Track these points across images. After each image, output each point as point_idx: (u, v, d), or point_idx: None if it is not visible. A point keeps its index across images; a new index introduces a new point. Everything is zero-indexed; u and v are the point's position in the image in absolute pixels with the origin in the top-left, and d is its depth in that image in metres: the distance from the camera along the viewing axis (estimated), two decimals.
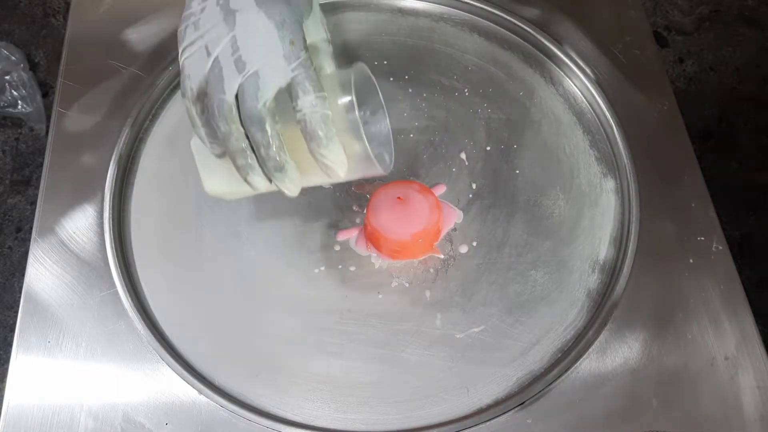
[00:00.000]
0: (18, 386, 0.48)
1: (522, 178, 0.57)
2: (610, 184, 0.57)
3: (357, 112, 0.40)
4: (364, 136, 0.40)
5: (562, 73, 0.62)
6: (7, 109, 1.31)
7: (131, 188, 0.56)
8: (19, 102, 1.31)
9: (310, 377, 0.49)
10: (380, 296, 0.52)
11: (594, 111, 0.60)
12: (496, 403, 0.48)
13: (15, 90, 1.30)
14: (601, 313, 0.51)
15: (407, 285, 0.53)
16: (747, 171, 1.35)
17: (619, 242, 0.54)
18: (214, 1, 0.41)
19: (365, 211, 0.53)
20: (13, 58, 1.31)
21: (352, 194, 0.56)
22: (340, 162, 0.40)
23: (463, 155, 0.58)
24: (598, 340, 0.50)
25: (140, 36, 0.62)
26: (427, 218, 0.50)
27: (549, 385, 0.49)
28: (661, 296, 0.52)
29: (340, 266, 0.53)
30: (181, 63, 0.41)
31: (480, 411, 0.48)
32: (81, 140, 0.57)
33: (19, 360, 0.49)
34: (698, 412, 0.48)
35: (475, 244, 0.54)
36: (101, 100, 0.58)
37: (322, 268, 0.53)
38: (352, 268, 0.53)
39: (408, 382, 0.49)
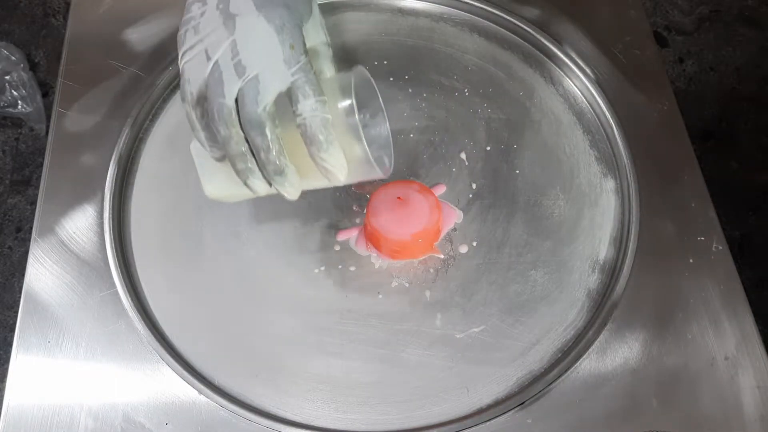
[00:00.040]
0: (18, 386, 0.48)
1: (522, 178, 0.57)
2: (610, 184, 0.57)
3: (357, 116, 0.40)
4: (364, 139, 0.40)
5: (562, 73, 0.62)
6: (7, 109, 1.31)
7: (131, 188, 0.56)
8: (19, 102, 1.31)
9: (310, 377, 0.49)
10: (380, 296, 0.52)
11: (594, 111, 0.60)
12: (496, 403, 0.48)
13: (15, 90, 1.30)
14: (601, 313, 0.51)
15: (407, 285, 0.53)
16: (747, 171, 1.35)
17: (619, 242, 0.54)
18: (213, 5, 0.41)
19: (365, 211, 0.53)
20: (13, 58, 1.31)
21: (352, 194, 0.56)
22: (340, 166, 0.40)
23: (463, 155, 0.58)
24: (598, 340, 0.50)
25: (140, 36, 0.62)
26: (427, 218, 0.50)
27: (549, 385, 0.49)
28: (661, 296, 0.52)
29: (340, 266, 0.53)
30: (180, 67, 0.41)
31: (480, 411, 0.48)
32: (81, 140, 0.57)
33: (19, 360, 0.49)
34: (698, 412, 0.48)
35: (475, 244, 0.54)
36: (101, 100, 0.58)
37: (322, 268, 0.53)
38: (352, 268, 0.53)
39: (408, 382, 0.49)
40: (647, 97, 0.60)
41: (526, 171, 0.57)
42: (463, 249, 0.54)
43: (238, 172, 0.41)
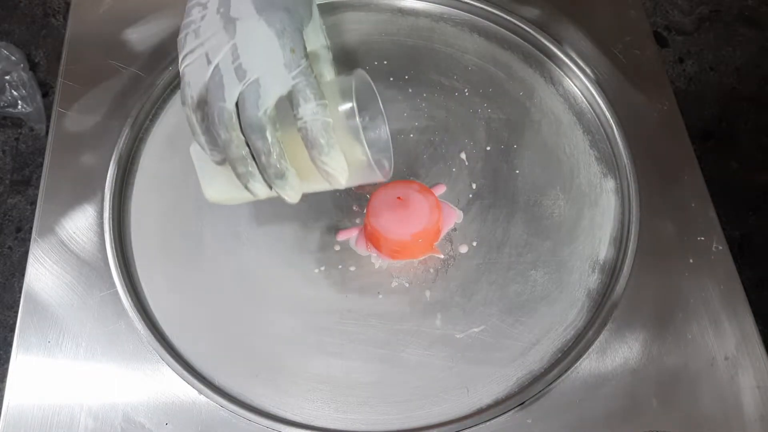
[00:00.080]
0: (18, 386, 0.48)
1: (522, 178, 0.57)
2: (610, 184, 0.57)
3: (358, 120, 0.40)
4: (365, 143, 0.40)
5: (562, 73, 0.62)
6: (7, 109, 1.31)
7: (131, 188, 0.56)
8: (19, 102, 1.31)
9: (310, 377, 0.49)
10: (380, 296, 0.52)
11: (594, 111, 0.60)
12: (496, 403, 0.48)
13: (15, 90, 1.30)
14: (601, 313, 0.51)
15: (407, 285, 0.53)
16: (747, 171, 1.35)
17: (619, 242, 0.54)
18: (214, 9, 0.41)
19: (365, 211, 0.53)
20: (13, 58, 1.31)
21: (352, 194, 0.56)
22: (341, 169, 0.40)
23: (463, 155, 0.58)
24: (598, 340, 0.50)
25: (140, 36, 0.62)
26: (427, 218, 0.50)
27: (549, 385, 0.49)
28: (661, 296, 0.52)
29: (340, 266, 0.53)
30: (181, 71, 0.41)
31: (480, 411, 0.48)
32: (81, 140, 0.57)
33: (19, 360, 0.49)
34: (698, 412, 0.48)
35: (475, 244, 0.54)
36: (101, 100, 0.58)
37: (322, 268, 0.53)
38: (352, 268, 0.53)
39: (408, 382, 0.49)
40: (647, 97, 0.60)
41: (526, 171, 0.57)
42: (463, 249, 0.54)
43: (238, 176, 0.41)
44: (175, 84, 0.59)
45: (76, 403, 0.47)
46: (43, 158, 0.56)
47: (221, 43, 0.40)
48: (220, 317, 0.51)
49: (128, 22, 0.62)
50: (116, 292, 0.50)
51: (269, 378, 0.49)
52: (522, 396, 0.48)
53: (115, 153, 0.55)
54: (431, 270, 0.53)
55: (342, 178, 0.41)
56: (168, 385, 0.48)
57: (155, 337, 0.49)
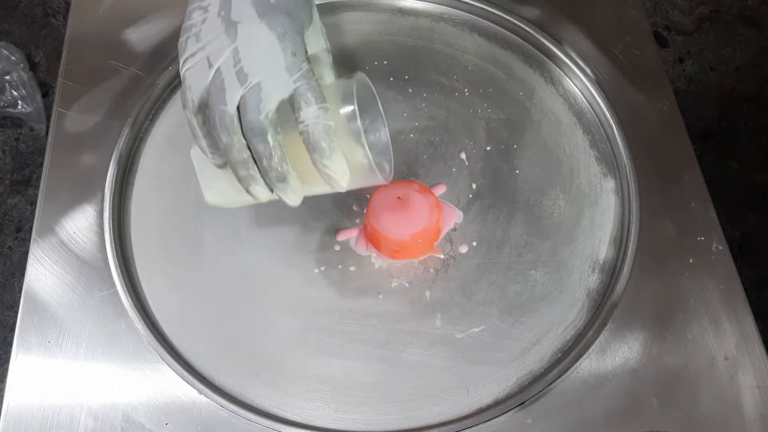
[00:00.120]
0: (18, 386, 0.48)
1: (522, 178, 0.57)
2: (610, 184, 0.57)
3: (359, 123, 0.40)
4: (366, 146, 0.41)
5: (562, 73, 0.62)
6: (7, 109, 1.31)
7: (131, 188, 0.56)
8: (19, 102, 1.31)
9: (310, 377, 0.49)
10: (380, 296, 0.52)
11: (594, 111, 0.60)
12: (496, 403, 0.48)
13: (15, 90, 1.31)
14: (601, 313, 0.51)
15: (407, 285, 0.53)
16: (747, 171, 1.35)
17: (619, 242, 0.54)
18: (215, 13, 0.41)
19: (365, 211, 0.53)
20: (13, 58, 1.31)
21: (352, 194, 0.56)
22: (342, 172, 0.40)
23: (463, 155, 0.58)
24: (598, 340, 0.50)
25: (140, 36, 0.62)
26: (427, 218, 0.50)
27: (549, 385, 0.49)
28: (661, 296, 0.52)
29: (340, 266, 0.53)
30: (182, 74, 0.41)
31: (480, 411, 0.48)
32: (81, 140, 0.57)
33: (19, 360, 0.49)
34: (698, 412, 0.48)
35: (475, 244, 0.54)
36: (101, 100, 0.58)
37: (322, 269, 0.53)
38: (352, 268, 0.53)
39: (408, 382, 0.49)
40: (647, 97, 0.60)
41: (526, 171, 0.57)
42: (463, 249, 0.54)
43: (240, 179, 0.41)
44: (175, 84, 0.59)
45: (76, 403, 0.47)
46: (43, 158, 0.56)
47: (222, 46, 0.40)
48: (220, 317, 0.51)
49: (128, 22, 0.62)
50: (116, 292, 0.50)
51: (269, 378, 0.49)
52: (522, 396, 0.48)
53: (115, 153, 0.55)
54: (431, 270, 0.53)
55: (343, 181, 0.41)
56: (168, 385, 0.48)
57: (155, 337, 0.49)
